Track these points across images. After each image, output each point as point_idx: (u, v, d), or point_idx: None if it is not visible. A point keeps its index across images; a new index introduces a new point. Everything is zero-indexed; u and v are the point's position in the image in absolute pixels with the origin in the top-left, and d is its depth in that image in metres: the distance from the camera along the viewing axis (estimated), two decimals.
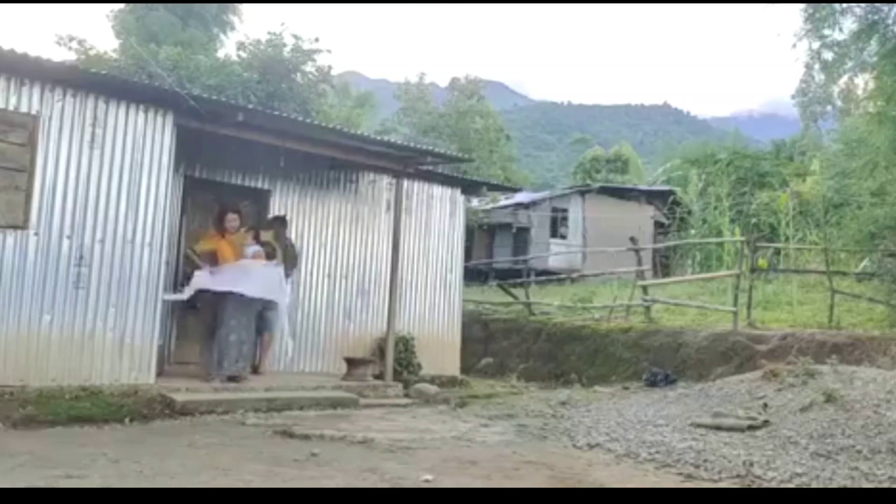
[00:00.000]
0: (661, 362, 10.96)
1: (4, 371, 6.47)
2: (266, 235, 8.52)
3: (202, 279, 7.81)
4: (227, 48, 24.43)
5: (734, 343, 10.69)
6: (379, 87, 47.85)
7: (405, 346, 9.84)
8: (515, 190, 21.11)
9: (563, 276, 18.74)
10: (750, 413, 7.31)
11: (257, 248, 8.24)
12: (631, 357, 11.68)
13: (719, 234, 20.12)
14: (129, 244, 7.19)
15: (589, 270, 19.24)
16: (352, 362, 9.04)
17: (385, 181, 10.18)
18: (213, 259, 8.02)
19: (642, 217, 25.83)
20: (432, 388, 9.14)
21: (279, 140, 8.07)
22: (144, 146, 7.33)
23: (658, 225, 27.11)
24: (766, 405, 7.55)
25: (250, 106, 9.40)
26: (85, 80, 7.17)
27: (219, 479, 4.64)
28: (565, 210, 26.65)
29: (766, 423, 7.03)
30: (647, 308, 12.79)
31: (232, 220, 8.12)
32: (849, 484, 5.33)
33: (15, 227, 6.62)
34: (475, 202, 21.99)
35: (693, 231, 23.16)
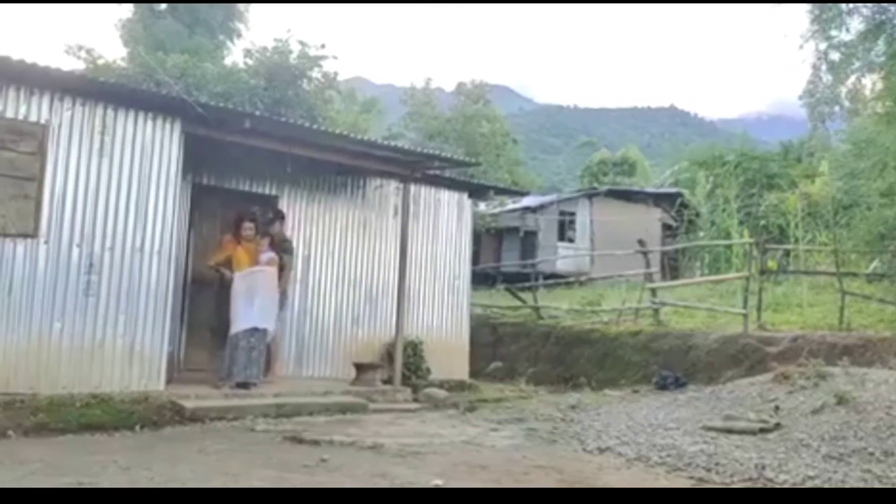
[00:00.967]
0: (670, 365, 10.91)
1: (16, 379, 6.51)
2: (275, 234, 8.56)
3: (238, 290, 7.92)
4: (234, 55, 24.58)
5: (744, 345, 10.63)
6: (385, 93, 47.92)
7: (414, 351, 9.84)
8: (523, 194, 21.13)
9: (571, 279, 18.66)
10: (761, 416, 7.27)
11: (271, 254, 8.32)
12: (640, 360, 11.64)
13: (728, 236, 20.05)
14: (139, 252, 7.23)
15: (597, 273, 19.17)
16: (361, 367, 9.05)
17: (392, 186, 10.19)
18: (228, 266, 8.17)
19: (650, 220, 25.71)
20: (441, 393, 9.12)
21: (286, 146, 8.11)
22: (153, 154, 7.37)
23: (666, 227, 26.98)
24: (777, 408, 7.50)
25: (257, 113, 9.42)
26: (93, 89, 7.22)
27: (229, 485, 4.64)
28: (573, 213, 26.60)
29: (777, 425, 6.98)
30: (656, 311, 12.74)
31: (248, 228, 8.28)
32: (861, 486, 5.29)
33: (25, 236, 6.66)
34: (482, 206, 22.02)
35: (701, 233, 23.08)
